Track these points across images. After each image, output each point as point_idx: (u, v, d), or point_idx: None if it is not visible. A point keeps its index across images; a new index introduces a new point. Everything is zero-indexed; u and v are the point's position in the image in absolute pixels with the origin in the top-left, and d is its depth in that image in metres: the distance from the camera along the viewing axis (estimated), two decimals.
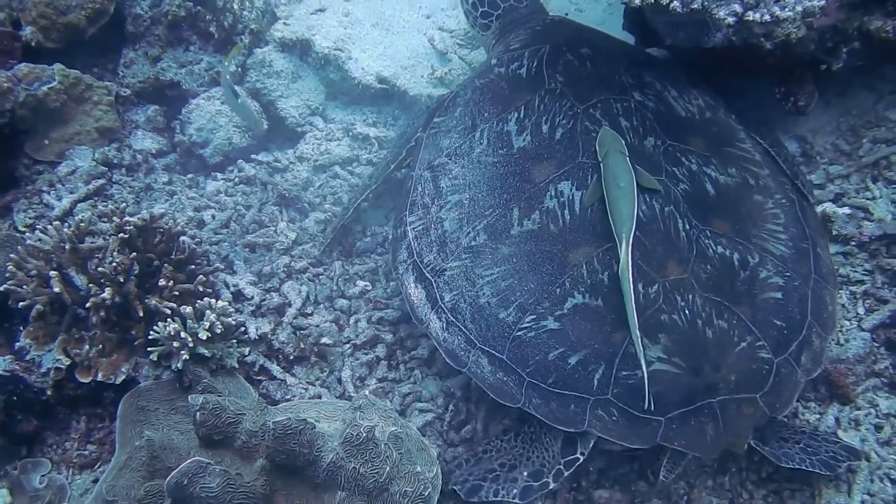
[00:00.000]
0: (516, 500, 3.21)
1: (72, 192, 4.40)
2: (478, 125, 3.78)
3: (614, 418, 3.09)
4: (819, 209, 3.87)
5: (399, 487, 2.91)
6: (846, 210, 3.83)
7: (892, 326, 3.61)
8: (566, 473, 3.19)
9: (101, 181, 4.51)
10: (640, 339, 2.98)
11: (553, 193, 3.44)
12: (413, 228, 3.71)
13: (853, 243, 3.80)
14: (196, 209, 4.48)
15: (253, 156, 4.80)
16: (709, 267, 3.26)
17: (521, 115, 3.70)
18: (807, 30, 3.54)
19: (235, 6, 5.04)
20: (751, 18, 3.19)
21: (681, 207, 3.37)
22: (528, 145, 3.61)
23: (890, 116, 4.15)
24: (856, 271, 3.76)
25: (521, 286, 3.31)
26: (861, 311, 3.66)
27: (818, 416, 3.47)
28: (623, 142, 3.43)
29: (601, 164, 3.36)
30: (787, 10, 3.15)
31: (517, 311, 3.28)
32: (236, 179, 4.71)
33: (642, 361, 2.97)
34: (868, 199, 3.93)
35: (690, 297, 3.18)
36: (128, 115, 5.00)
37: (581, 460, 3.18)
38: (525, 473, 3.26)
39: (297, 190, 4.61)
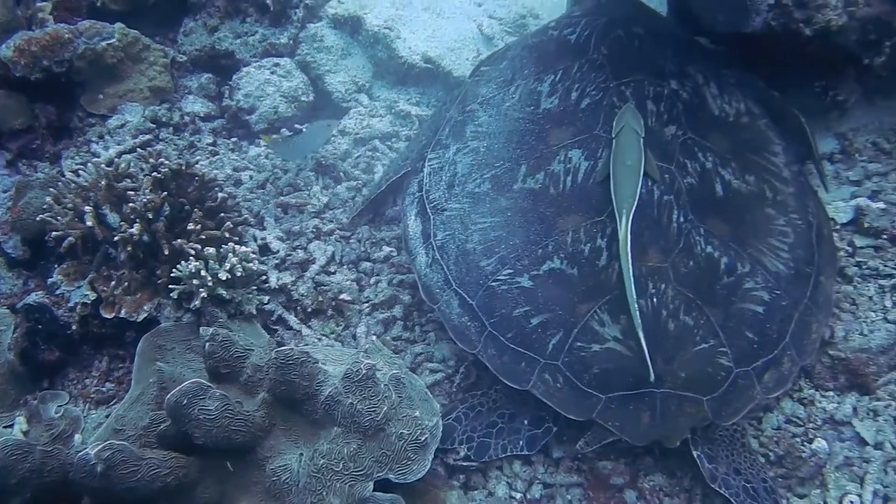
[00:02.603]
0: (524, 452, 3.22)
1: (118, 144, 4.53)
2: (515, 80, 3.82)
3: (559, 385, 3.10)
4: (853, 203, 3.79)
5: (396, 429, 2.90)
6: (881, 205, 3.72)
7: None
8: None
9: (148, 136, 4.64)
10: (638, 314, 2.97)
11: (562, 158, 3.45)
12: (430, 165, 3.76)
13: (885, 237, 3.67)
14: (235, 169, 4.56)
15: (296, 126, 4.86)
16: (691, 263, 3.19)
17: (556, 79, 3.72)
18: (848, 18, 3.47)
19: None
20: None
21: (681, 199, 3.31)
22: (553, 108, 3.62)
23: None
24: (886, 265, 3.62)
25: (507, 240, 3.33)
26: (888, 303, 3.50)
27: (836, 404, 3.35)
28: (641, 122, 3.40)
29: (614, 140, 3.35)
30: None
31: (497, 263, 3.30)
32: None
33: (641, 335, 2.96)
34: None
35: (662, 286, 3.13)
36: (182, 81, 5.13)
37: None
38: (526, 422, 3.27)
39: (335, 159, 4.67)
